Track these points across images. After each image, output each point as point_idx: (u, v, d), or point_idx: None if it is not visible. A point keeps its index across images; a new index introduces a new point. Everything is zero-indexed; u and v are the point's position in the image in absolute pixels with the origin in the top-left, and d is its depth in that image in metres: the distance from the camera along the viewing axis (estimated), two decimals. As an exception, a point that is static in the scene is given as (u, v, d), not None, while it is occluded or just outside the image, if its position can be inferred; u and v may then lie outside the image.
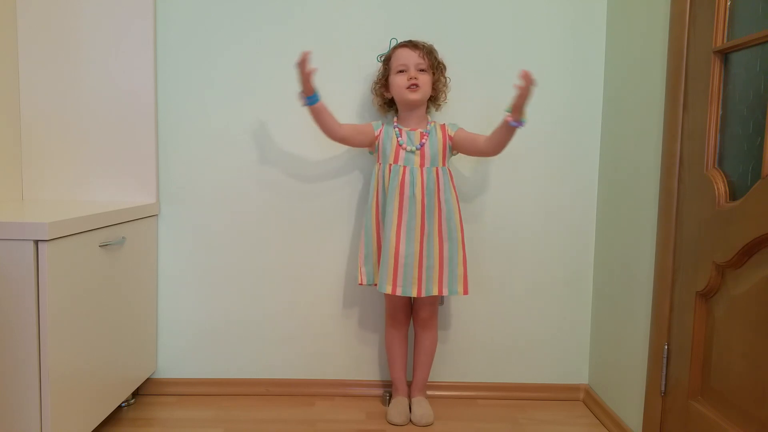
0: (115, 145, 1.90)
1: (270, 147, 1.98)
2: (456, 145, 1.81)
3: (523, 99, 1.55)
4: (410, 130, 1.79)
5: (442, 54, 1.85)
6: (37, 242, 1.33)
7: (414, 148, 1.76)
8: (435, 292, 1.75)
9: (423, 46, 1.77)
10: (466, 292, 1.78)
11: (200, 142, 1.97)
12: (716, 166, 1.38)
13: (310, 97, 1.70)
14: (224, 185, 1.99)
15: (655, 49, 1.62)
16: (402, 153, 1.76)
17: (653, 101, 1.62)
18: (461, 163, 1.98)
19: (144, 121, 1.90)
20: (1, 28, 1.79)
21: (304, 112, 1.96)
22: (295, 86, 1.94)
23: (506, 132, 1.66)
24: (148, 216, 1.89)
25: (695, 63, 1.44)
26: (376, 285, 1.81)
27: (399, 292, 1.73)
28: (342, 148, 1.97)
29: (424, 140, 1.77)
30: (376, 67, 1.88)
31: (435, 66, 1.79)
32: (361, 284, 1.83)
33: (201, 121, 1.96)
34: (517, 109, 1.57)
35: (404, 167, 1.75)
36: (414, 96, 1.74)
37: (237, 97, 1.96)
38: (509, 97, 1.59)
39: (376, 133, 1.80)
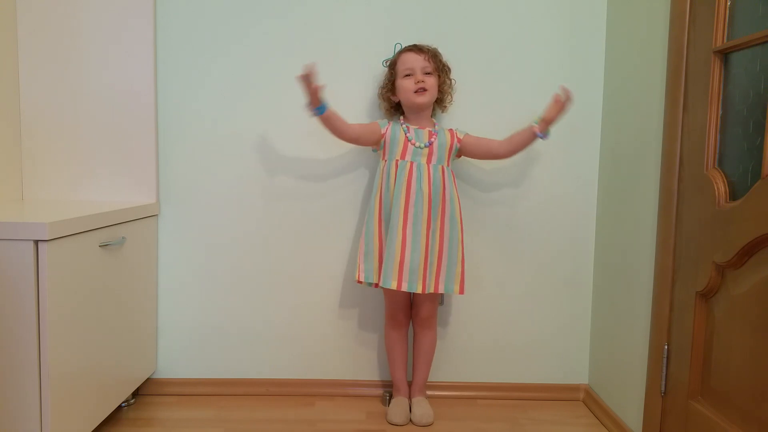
0: (115, 145, 1.90)
1: (271, 147, 1.98)
2: (464, 148, 1.83)
3: (557, 114, 1.72)
4: (418, 128, 1.80)
5: (443, 55, 1.85)
6: (37, 242, 1.33)
7: (423, 145, 1.77)
8: (433, 290, 1.76)
9: (428, 49, 1.78)
10: (462, 292, 1.79)
11: (200, 142, 1.97)
12: (716, 166, 1.38)
13: (318, 108, 1.70)
14: (224, 185, 1.99)
15: (655, 49, 1.62)
16: (410, 148, 1.77)
17: (653, 101, 1.62)
18: (461, 162, 1.98)
19: (144, 121, 1.90)
20: (1, 28, 1.79)
21: (305, 113, 1.97)
22: (296, 87, 1.95)
23: (529, 140, 1.78)
24: (148, 216, 1.89)
25: (695, 63, 1.44)
26: (376, 285, 1.81)
27: (404, 288, 1.73)
28: (344, 148, 1.97)
29: (432, 139, 1.78)
30: (378, 67, 1.88)
31: (441, 68, 1.81)
32: (359, 282, 1.82)
33: (201, 121, 1.96)
34: (548, 123, 1.73)
35: (411, 163, 1.76)
36: (422, 99, 1.76)
37: (238, 97, 1.96)
38: (539, 107, 1.83)
39: (383, 131, 1.81)
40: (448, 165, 1.80)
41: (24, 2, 1.84)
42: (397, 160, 1.77)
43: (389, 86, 1.83)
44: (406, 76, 1.77)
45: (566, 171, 2.01)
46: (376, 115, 1.95)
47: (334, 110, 1.75)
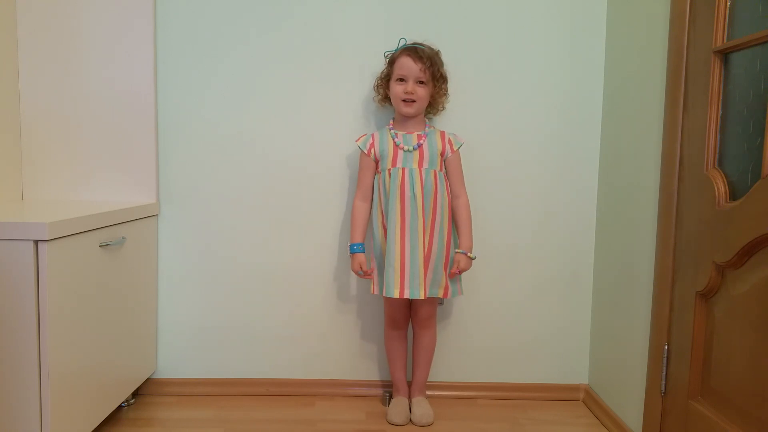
0: (115, 145, 1.90)
1: (270, 147, 1.98)
2: (446, 162, 1.82)
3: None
4: (406, 133, 1.80)
5: (442, 55, 1.84)
6: (37, 242, 1.33)
7: (411, 148, 1.76)
8: (428, 295, 1.75)
9: (427, 58, 1.75)
10: (446, 296, 1.79)
11: (200, 142, 1.97)
12: (716, 166, 1.38)
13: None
14: (224, 185, 1.98)
15: (655, 49, 1.62)
16: (400, 154, 1.76)
17: (653, 101, 1.62)
18: (462, 160, 1.97)
19: (144, 121, 1.90)
20: (1, 28, 1.79)
21: (305, 113, 1.97)
22: (297, 88, 1.96)
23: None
24: (148, 216, 1.89)
25: (695, 63, 1.44)
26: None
27: (407, 295, 1.72)
28: (346, 151, 1.98)
29: (421, 141, 1.77)
30: (377, 67, 1.88)
31: (436, 78, 1.78)
32: (374, 293, 1.82)
33: (201, 121, 1.96)
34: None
35: (403, 169, 1.75)
36: (407, 110, 1.76)
37: (237, 97, 1.96)
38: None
39: (367, 150, 1.80)
40: (441, 170, 1.80)
41: (24, 2, 1.84)
42: (389, 169, 1.77)
43: (385, 82, 1.83)
44: (400, 80, 1.76)
45: (566, 171, 2.01)
46: (373, 114, 1.95)
47: (361, 238, 1.83)
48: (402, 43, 1.82)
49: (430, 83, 1.77)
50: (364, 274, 1.80)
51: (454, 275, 1.80)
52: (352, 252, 1.80)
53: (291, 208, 2.00)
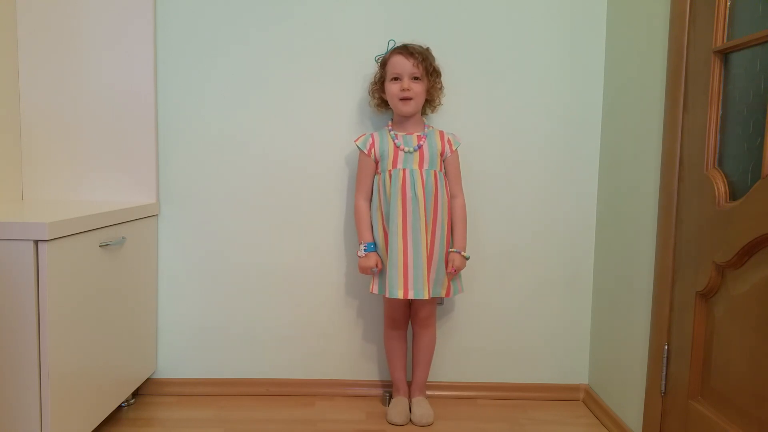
0: (115, 145, 1.90)
1: (270, 147, 1.98)
2: (445, 162, 1.82)
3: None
4: (406, 134, 1.80)
5: (441, 55, 1.85)
6: (37, 242, 1.33)
7: (412, 149, 1.76)
8: (431, 294, 1.75)
9: (418, 53, 1.76)
10: (448, 295, 1.80)
11: (200, 142, 1.97)
12: (716, 166, 1.38)
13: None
14: (224, 185, 1.99)
15: (655, 49, 1.62)
16: (401, 155, 1.77)
17: (653, 101, 1.62)
18: (462, 161, 1.97)
19: (144, 121, 1.90)
20: (1, 28, 1.79)
21: (305, 113, 1.97)
22: (297, 88, 1.96)
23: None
24: (148, 216, 1.89)
25: (695, 63, 1.44)
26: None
27: (411, 295, 1.72)
28: (343, 151, 1.98)
29: (421, 142, 1.77)
30: (375, 67, 1.88)
31: (430, 72, 1.79)
32: (372, 292, 1.82)
33: (201, 121, 1.96)
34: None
35: (404, 170, 1.75)
36: (406, 109, 1.76)
37: (237, 97, 1.96)
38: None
39: (367, 150, 1.80)
40: (441, 170, 1.80)
41: (24, 2, 1.84)
42: (389, 171, 1.77)
43: (379, 85, 1.83)
44: (394, 79, 1.76)
45: (566, 171, 2.01)
46: (372, 114, 1.95)
47: (372, 236, 1.82)
48: (391, 44, 1.82)
49: (424, 78, 1.77)
50: (377, 270, 1.79)
51: (451, 274, 1.80)
52: (368, 251, 1.79)
53: (291, 208, 2.00)
